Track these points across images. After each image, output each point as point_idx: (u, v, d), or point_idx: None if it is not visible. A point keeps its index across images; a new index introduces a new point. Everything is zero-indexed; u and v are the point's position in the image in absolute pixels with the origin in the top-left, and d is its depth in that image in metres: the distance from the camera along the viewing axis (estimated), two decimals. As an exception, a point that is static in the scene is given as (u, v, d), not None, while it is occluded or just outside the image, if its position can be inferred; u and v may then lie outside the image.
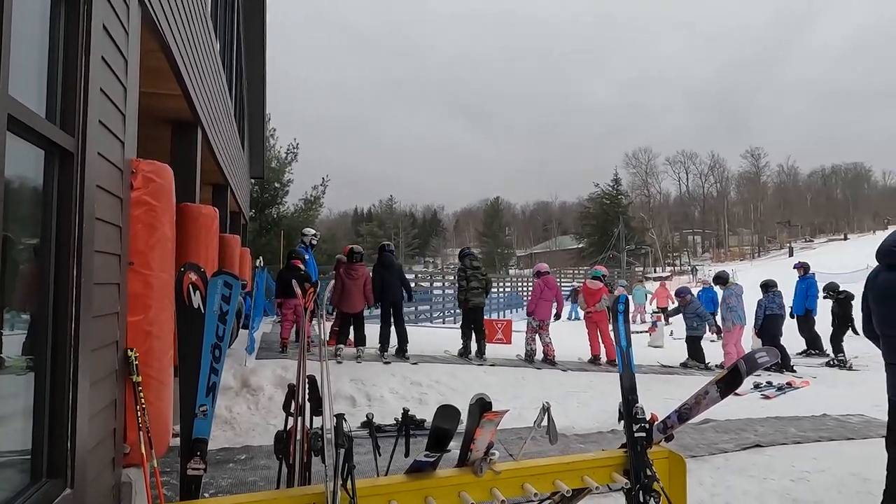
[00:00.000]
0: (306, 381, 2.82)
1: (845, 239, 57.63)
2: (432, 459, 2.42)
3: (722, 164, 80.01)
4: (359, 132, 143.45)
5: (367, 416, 2.80)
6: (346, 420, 2.32)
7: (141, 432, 2.88)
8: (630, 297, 20.08)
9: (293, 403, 2.85)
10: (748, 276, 27.98)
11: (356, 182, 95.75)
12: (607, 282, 10.43)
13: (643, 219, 72.84)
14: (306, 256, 9.37)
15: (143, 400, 2.92)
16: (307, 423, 2.78)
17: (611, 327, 3.56)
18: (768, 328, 10.03)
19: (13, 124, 1.81)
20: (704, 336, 10.32)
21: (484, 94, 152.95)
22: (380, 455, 2.69)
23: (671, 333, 14.31)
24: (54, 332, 2.18)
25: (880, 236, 3.30)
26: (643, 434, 2.75)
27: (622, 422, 2.86)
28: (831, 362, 10.38)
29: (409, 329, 8.82)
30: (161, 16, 3.72)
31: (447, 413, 2.38)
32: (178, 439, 2.57)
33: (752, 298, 10.56)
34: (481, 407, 2.39)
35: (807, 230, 71.81)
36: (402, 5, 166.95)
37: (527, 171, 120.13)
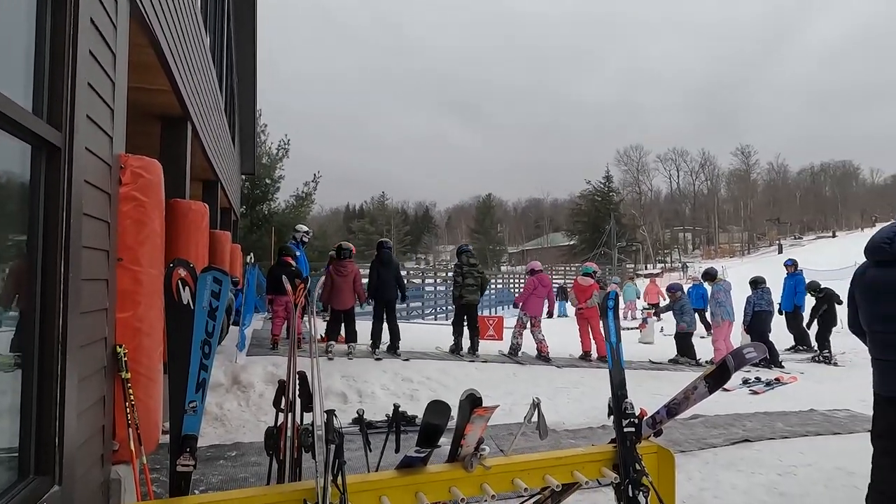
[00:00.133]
0: (296, 377, 2.82)
1: (834, 236, 58.19)
2: (423, 455, 2.42)
3: (712, 162, 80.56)
4: (351, 128, 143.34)
5: (357, 412, 2.81)
6: (336, 416, 2.32)
7: (130, 429, 2.87)
8: (620, 294, 20.26)
9: (283, 400, 2.84)
10: (738, 272, 28.22)
11: (348, 179, 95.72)
12: (598, 278, 10.48)
13: (634, 216, 73.07)
14: (297, 253, 9.35)
15: (132, 396, 2.91)
16: (297, 420, 2.78)
17: (601, 323, 3.59)
18: (757, 324, 10.12)
19: (0, 119, 1.80)
20: (694, 332, 10.41)
21: (476, 90, 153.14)
22: (370, 451, 2.69)
23: (661, 330, 14.40)
24: (41, 328, 2.16)
25: (868, 233, 3.34)
26: (632, 429, 2.77)
27: (612, 417, 2.88)
28: (816, 358, 10.50)
29: (401, 326, 8.82)
30: (150, 10, 3.69)
31: (437, 409, 2.38)
32: (167, 436, 2.56)
33: (741, 295, 10.66)
34: (471, 402, 2.39)
35: (796, 227, 72.38)
36: None
37: (519, 168, 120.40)
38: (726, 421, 5.84)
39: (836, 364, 10.19)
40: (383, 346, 8.36)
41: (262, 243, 17.29)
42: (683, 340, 10.12)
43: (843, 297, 3.91)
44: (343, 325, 8.34)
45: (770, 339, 9.84)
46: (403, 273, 14.59)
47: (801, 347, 11.38)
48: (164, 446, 2.87)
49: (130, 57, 3.26)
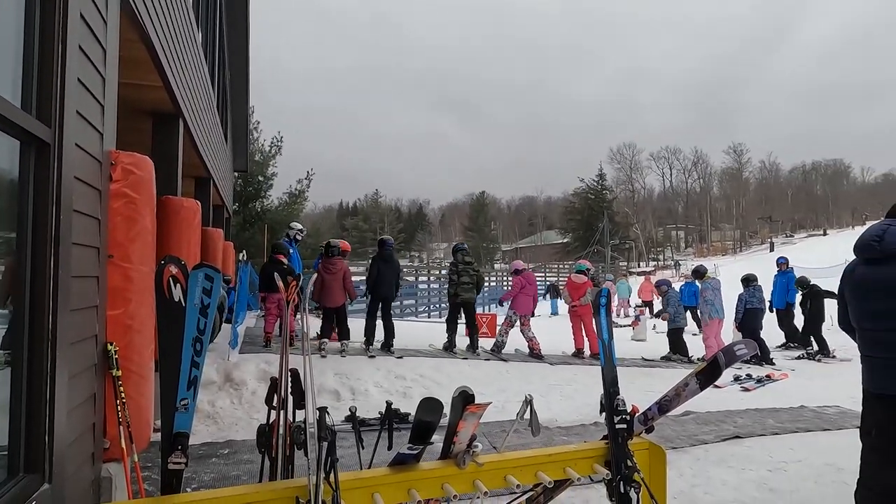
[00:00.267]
0: (289, 374, 2.82)
1: (825, 234, 58.60)
2: (415, 452, 2.43)
3: (705, 160, 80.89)
4: (344, 126, 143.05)
5: (350, 409, 2.81)
6: (329, 413, 2.32)
7: (121, 427, 2.86)
8: (614, 291, 20.27)
9: (276, 397, 2.84)
10: (730, 270, 28.38)
11: (342, 176, 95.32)
12: (592, 276, 10.51)
13: (627, 214, 73.37)
14: (290, 251, 9.31)
15: (123, 394, 2.89)
16: (290, 417, 2.78)
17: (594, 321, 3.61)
18: (748, 322, 10.19)
19: (-13, 114, 1.78)
20: (685, 328, 10.46)
21: (470, 88, 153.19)
22: (363, 448, 2.69)
23: (654, 327, 14.47)
24: (31, 325, 2.15)
25: (859, 231, 3.36)
26: (624, 426, 2.78)
27: (604, 414, 2.89)
28: (803, 355, 10.59)
29: (395, 323, 8.81)
30: (141, 5, 3.66)
31: (430, 406, 2.39)
32: (159, 434, 2.55)
33: (733, 293, 10.72)
34: (464, 400, 2.40)
35: (787, 225, 72.89)
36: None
37: (513, 166, 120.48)
38: (717, 418, 5.87)
39: (819, 360, 10.30)
40: (377, 344, 8.35)
41: (255, 241, 17.23)
42: (675, 337, 10.17)
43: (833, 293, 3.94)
44: (336, 322, 8.32)
45: (761, 336, 9.91)
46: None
47: (792, 345, 11.46)
48: (156, 444, 2.86)
49: (121, 52, 3.24)
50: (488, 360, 8.46)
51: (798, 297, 11.29)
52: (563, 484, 2.71)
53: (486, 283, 27.72)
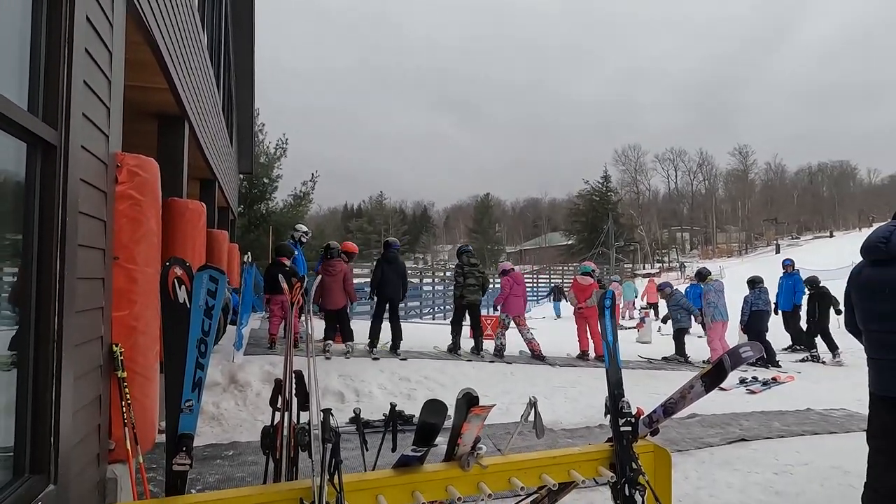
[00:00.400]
0: (293, 376, 2.82)
1: (831, 236, 58.29)
2: (419, 454, 2.42)
3: (710, 162, 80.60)
4: (349, 127, 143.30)
5: (354, 411, 2.80)
6: (333, 415, 2.32)
7: (126, 428, 2.86)
8: (621, 293, 20.20)
9: (280, 398, 2.84)
10: (736, 272, 28.29)
11: (346, 178, 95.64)
12: (597, 277, 10.49)
13: (632, 215, 73.18)
14: (295, 252, 9.33)
15: (128, 395, 2.90)
16: (294, 419, 2.78)
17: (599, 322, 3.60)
18: (754, 324, 10.15)
19: (-6, 116, 1.79)
20: (690, 331, 10.43)
21: (474, 89, 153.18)
22: (367, 450, 2.69)
23: (659, 329, 14.42)
24: (37, 326, 2.16)
25: (865, 233, 3.34)
26: (629, 428, 2.78)
27: (608, 416, 2.88)
28: (807, 357, 10.54)
29: (401, 325, 8.82)
30: (146, 8, 3.68)
31: (434, 408, 2.39)
32: (163, 435, 2.56)
33: (739, 295, 10.68)
34: (468, 402, 2.39)
35: (793, 227, 72.51)
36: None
37: (517, 168, 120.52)
38: (723, 420, 5.85)
39: (821, 361, 10.26)
40: (385, 346, 8.35)
41: (260, 242, 17.26)
42: (679, 337, 10.14)
43: (840, 296, 3.91)
44: (338, 324, 8.33)
45: (767, 338, 9.86)
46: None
47: (798, 347, 11.40)
48: (161, 445, 2.87)
49: (127, 55, 3.26)
50: (492, 362, 8.45)
51: (805, 298, 11.21)
52: (567, 486, 2.70)
53: (491, 286, 27.68)
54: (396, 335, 8.39)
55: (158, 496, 3.08)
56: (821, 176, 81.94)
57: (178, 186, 5.31)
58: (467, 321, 9.09)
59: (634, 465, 2.69)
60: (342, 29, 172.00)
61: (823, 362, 10.23)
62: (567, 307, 19.56)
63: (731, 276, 23.16)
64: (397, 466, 2.46)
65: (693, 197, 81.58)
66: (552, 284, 27.77)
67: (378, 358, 7.83)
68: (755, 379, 8.29)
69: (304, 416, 2.69)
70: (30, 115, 2.07)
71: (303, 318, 5.61)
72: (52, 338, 2.19)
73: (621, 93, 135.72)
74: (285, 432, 2.76)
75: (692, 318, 10.18)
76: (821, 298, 10.75)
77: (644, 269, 57.14)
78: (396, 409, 2.96)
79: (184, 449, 2.40)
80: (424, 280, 26.20)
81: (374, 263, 8.70)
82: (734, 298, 10.24)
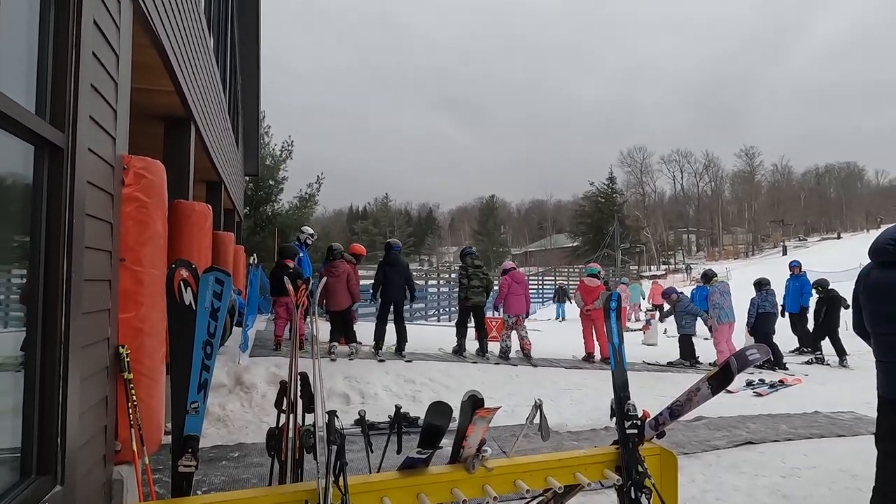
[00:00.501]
0: (298, 377, 2.82)
1: (838, 238, 57.97)
2: (424, 456, 2.42)
3: (716, 163, 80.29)
4: (355, 129, 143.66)
5: (359, 412, 2.80)
6: (338, 417, 2.32)
7: (132, 429, 2.87)
8: (627, 295, 20.12)
9: (285, 400, 2.84)
10: (742, 274, 28.18)
11: (351, 179, 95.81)
12: (604, 280, 10.46)
13: (638, 217, 72.99)
14: (300, 254, 9.35)
15: (134, 397, 2.91)
16: (299, 420, 2.78)
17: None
18: (761, 326, 10.09)
19: (2, 119, 1.80)
20: (697, 334, 10.39)
21: (480, 91, 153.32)
22: (372, 452, 2.69)
23: (665, 332, 14.37)
24: (44, 328, 2.17)
25: (873, 235, 3.32)
26: (635, 431, 2.77)
27: (614, 419, 2.87)
28: (812, 360, 10.48)
29: (406, 327, 8.82)
30: (153, 11, 3.70)
31: (439, 410, 2.38)
32: (169, 437, 2.56)
33: (746, 297, 10.63)
34: (473, 404, 2.39)
35: (800, 229, 72.13)
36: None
37: (522, 170, 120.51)
38: (730, 423, 5.81)
39: (825, 362, 10.19)
40: (391, 347, 8.35)
41: (266, 244, 17.30)
42: (685, 342, 10.09)
43: (848, 298, 3.89)
44: (342, 325, 8.34)
45: (774, 341, 9.81)
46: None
47: (805, 349, 11.33)
48: (167, 447, 2.87)
49: (133, 58, 3.27)
50: (498, 364, 8.44)
51: (813, 301, 11.14)
52: (573, 489, 2.69)
53: (497, 287, 27.61)
54: (402, 337, 8.39)
55: (164, 497, 3.09)
56: (828, 177, 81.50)
57: (184, 189, 5.33)
58: (472, 323, 9.08)
59: (640, 468, 2.67)
60: (342, 29, 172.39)
61: (829, 364, 10.17)
62: (570, 309, 19.52)
63: (738, 278, 23.07)
64: (402, 468, 2.46)
65: (699, 198, 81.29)
66: (557, 286, 27.70)
67: (384, 360, 7.83)
68: (762, 381, 8.25)
69: (310, 418, 2.69)
70: (37, 118, 2.08)
71: (308, 319, 5.62)
72: (58, 339, 2.21)
73: (626, 93, 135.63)
74: (290, 434, 2.76)
75: (699, 321, 10.12)
76: (830, 301, 10.67)
77: (650, 270, 57.01)
78: (401, 410, 2.96)
79: (189, 450, 2.41)
80: (430, 282, 26.21)
81: (377, 266, 8.69)
82: (741, 300, 10.17)
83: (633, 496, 2.62)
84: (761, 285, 10.38)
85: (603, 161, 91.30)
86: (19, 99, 1.93)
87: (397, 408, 2.95)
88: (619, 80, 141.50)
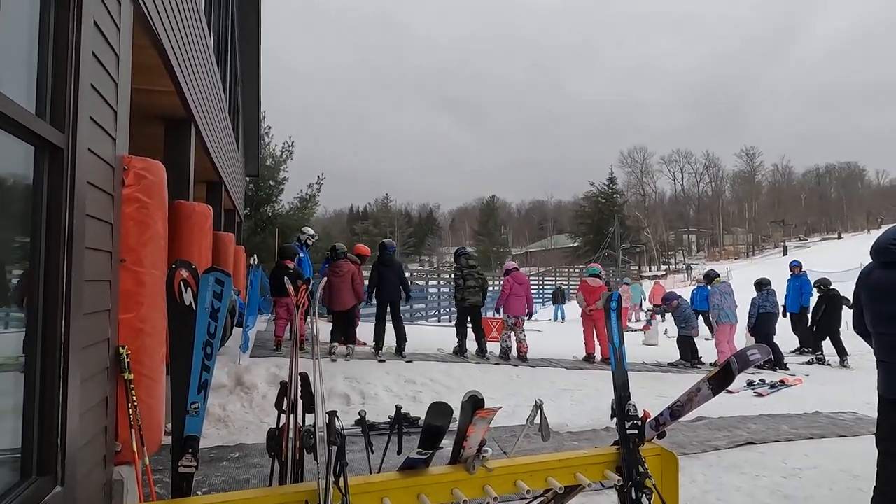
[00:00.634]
0: (298, 378, 2.82)
1: (839, 238, 57.92)
2: (425, 457, 2.42)
3: (717, 164, 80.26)
4: (355, 130, 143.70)
5: (359, 413, 2.80)
6: (338, 417, 2.32)
7: (133, 430, 2.87)
8: (629, 295, 20.11)
9: (285, 401, 2.84)
10: (743, 274, 28.15)
11: (352, 180, 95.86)
12: (604, 280, 10.46)
13: (638, 217, 73.00)
14: (301, 255, 9.34)
15: (134, 397, 2.91)
16: (300, 421, 2.78)
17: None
18: (762, 326, 10.08)
19: (2, 120, 1.80)
20: (697, 335, 10.39)
21: (480, 91, 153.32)
22: (372, 452, 2.68)
23: (665, 332, 14.36)
24: (44, 329, 2.17)
25: (874, 235, 3.32)
26: (635, 431, 2.76)
27: (615, 419, 2.86)
28: (812, 360, 10.47)
29: (406, 327, 8.82)
30: (153, 12, 3.70)
31: (439, 410, 2.38)
32: (170, 437, 2.56)
33: (747, 297, 10.62)
34: (473, 404, 2.39)
35: (801, 229, 72.10)
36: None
37: (522, 170, 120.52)
38: (730, 423, 5.81)
39: (825, 362, 10.18)
40: (391, 348, 8.35)
41: (267, 245, 17.31)
42: (684, 344, 10.08)
43: (849, 297, 3.88)
44: (344, 326, 8.34)
45: (775, 341, 9.80)
46: (408, 275, 14.61)
47: (806, 350, 11.32)
48: (167, 447, 2.87)
49: (134, 58, 3.27)
50: (498, 364, 8.44)
51: (813, 300, 11.12)
52: (573, 490, 2.69)
53: (491, 287, 27.56)
54: (401, 337, 8.39)
55: (165, 498, 3.09)
56: (828, 177, 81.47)
57: (184, 189, 5.33)
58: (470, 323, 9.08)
59: (641, 469, 2.67)
60: (342, 29, 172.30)
61: (829, 364, 10.16)
62: (569, 311, 19.50)
63: (739, 278, 23.00)
64: (403, 469, 2.45)
65: (700, 199, 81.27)
66: (556, 287, 27.68)
67: (384, 360, 7.83)
68: (763, 382, 8.24)
69: (310, 419, 2.69)
70: (37, 119, 2.08)
71: (308, 320, 5.63)
72: (59, 340, 2.20)
73: (626, 93, 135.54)
74: (291, 434, 2.76)
75: (701, 321, 10.13)
76: (830, 300, 10.65)
77: (650, 270, 57.00)
78: (402, 411, 2.96)
79: (189, 451, 2.41)
80: (430, 282, 26.21)
81: (371, 267, 8.70)
82: (742, 301, 10.16)
83: (633, 497, 2.62)
84: (762, 285, 10.37)
85: (603, 161, 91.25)
86: (19, 99, 1.93)
87: (398, 408, 2.95)
88: (619, 80, 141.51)
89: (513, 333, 9.07)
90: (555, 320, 21.02)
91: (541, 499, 2.82)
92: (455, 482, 2.43)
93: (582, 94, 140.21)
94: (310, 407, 2.72)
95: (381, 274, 8.44)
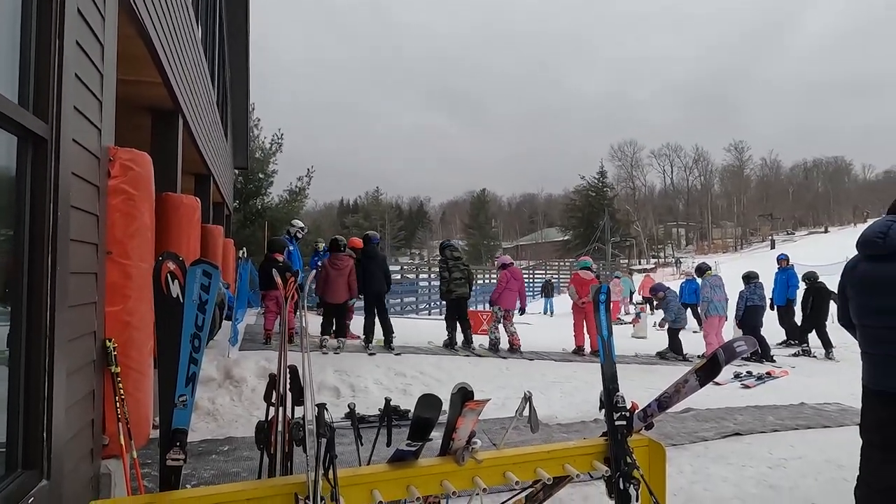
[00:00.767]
0: (287, 371, 2.81)
1: (826, 232, 58.52)
2: (414, 449, 2.42)
3: (706, 158, 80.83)
4: (345, 123, 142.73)
5: (349, 405, 2.79)
6: (328, 410, 2.31)
7: (120, 423, 2.86)
8: (620, 288, 20.19)
9: (274, 394, 2.83)
10: (731, 268, 28.36)
11: (342, 173, 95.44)
12: (595, 273, 10.51)
13: (628, 211, 73.36)
14: (290, 248, 9.30)
15: (122, 391, 2.89)
16: (289, 414, 2.77)
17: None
18: (749, 319, 10.18)
19: (-17, 109, 1.78)
20: (685, 328, 10.47)
21: (471, 86, 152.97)
22: (362, 445, 2.68)
23: (654, 324, 14.46)
24: (29, 321, 2.14)
25: (860, 229, 3.35)
26: (624, 423, 2.78)
27: (603, 411, 2.88)
28: (798, 352, 10.59)
29: (395, 320, 8.82)
30: (139, 1, 3.65)
31: (429, 402, 2.38)
32: (158, 430, 2.54)
33: (734, 290, 10.71)
34: (463, 396, 2.39)
35: (788, 223, 72.78)
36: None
37: (513, 164, 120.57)
38: (717, 415, 5.87)
39: (811, 354, 10.31)
40: (381, 341, 8.34)
41: (256, 238, 17.21)
42: (673, 336, 10.17)
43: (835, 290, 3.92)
44: (334, 319, 8.31)
45: (762, 333, 9.90)
46: (396, 268, 14.58)
47: (792, 342, 11.45)
48: (155, 441, 2.86)
49: (119, 48, 3.23)
50: (488, 357, 8.46)
51: (800, 293, 11.24)
52: (562, 480, 2.70)
53: (488, 281, 27.63)
54: (387, 330, 8.37)
55: (153, 491, 3.07)
56: (816, 171, 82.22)
57: (172, 181, 5.28)
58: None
59: (629, 460, 2.69)
60: (337, 23, 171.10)
61: (815, 356, 10.29)
62: (558, 304, 19.58)
63: (727, 272, 23.14)
64: (392, 461, 2.45)
65: (689, 192, 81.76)
66: (545, 280, 27.76)
67: (374, 353, 7.83)
68: (749, 374, 8.33)
69: (299, 412, 2.68)
70: (20, 109, 2.05)
71: (298, 313, 5.61)
72: (44, 333, 2.18)
73: (617, 88, 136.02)
74: (280, 427, 2.75)
75: (689, 314, 10.21)
76: (817, 294, 10.77)
77: (640, 264, 57.30)
78: (391, 403, 2.95)
79: (178, 444, 2.39)
80: (420, 276, 26.19)
81: (355, 261, 8.64)
82: (729, 294, 10.25)
83: (621, 487, 2.63)
84: (750, 278, 10.47)
85: (594, 155, 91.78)
86: (2, 89, 1.90)
87: (387, 400, 2.94)
88: (610, 76, 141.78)
89: (501, 325, 9.10)
90: (544, 313, 21.08)
91: (529, 490, 2.83)
92: (444, 474, 2.43)
93: (573, 88, 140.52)
94: (299, 400, 2.71)
95: (365, 267, 8.40)
